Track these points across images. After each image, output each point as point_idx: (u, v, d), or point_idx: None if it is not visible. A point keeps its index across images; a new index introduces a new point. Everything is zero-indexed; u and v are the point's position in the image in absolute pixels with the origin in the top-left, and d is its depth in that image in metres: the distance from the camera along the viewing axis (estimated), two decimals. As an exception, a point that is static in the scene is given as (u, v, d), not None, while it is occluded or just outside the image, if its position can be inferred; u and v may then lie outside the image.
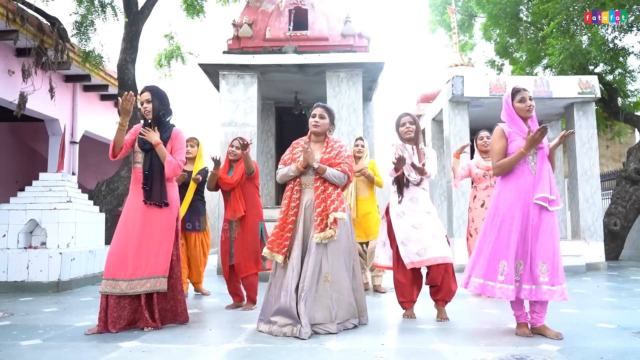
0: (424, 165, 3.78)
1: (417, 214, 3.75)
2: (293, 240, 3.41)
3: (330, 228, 3.30)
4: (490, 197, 4.86)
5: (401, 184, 3.82)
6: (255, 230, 4.23)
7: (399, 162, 3.69)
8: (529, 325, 3.16)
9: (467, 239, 5.33)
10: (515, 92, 3.22)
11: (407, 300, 3.82)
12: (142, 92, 3.57)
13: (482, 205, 5.09)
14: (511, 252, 3.06)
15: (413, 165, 3.71)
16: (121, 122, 3.38)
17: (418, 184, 3.81)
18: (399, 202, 3.81)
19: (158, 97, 3.57)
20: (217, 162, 4.23)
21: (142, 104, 3.52)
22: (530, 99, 3.18)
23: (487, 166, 5.12)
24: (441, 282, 3.69)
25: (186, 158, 5.00)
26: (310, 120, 3.58)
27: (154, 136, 3.48)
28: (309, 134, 3.65)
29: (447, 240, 3.78)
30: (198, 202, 4.91)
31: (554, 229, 3.08)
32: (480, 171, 5.20)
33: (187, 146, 4.96)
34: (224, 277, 4.35)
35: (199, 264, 4.99)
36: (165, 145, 3.53)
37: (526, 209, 3.09)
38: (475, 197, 5.25)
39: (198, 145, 5.05)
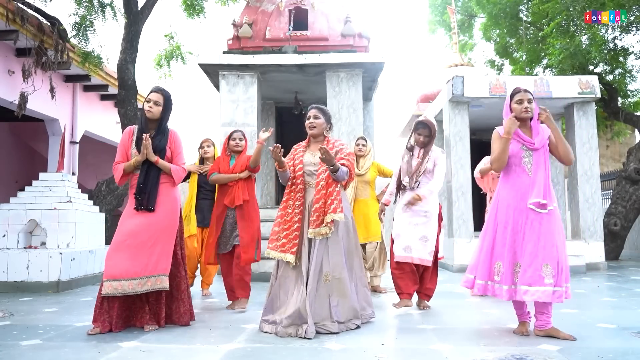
0: (418, 170, 4.12)
1: (415, 214, 4.10)
2: (301, 241, 3.40)
3: (326, 226, 3.30)
4: None
5: (400, 187, 4.24)
6: (257, 221, 4.21)
7: None
8: (539, 328, 3.14)
9: None
10: (515, 93, 3.24)
11: (402, 292, 4.08)
12: (154, 92, 3.51)
13: None
14: (506, 253, 3.10)
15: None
16: (139, 160, 3.43)
17: (412, 188, 4.13)
18: (399, 200, 4.24)
19: (167, 102, 3.55)
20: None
21: (148, 102, 3.49)
22: (529, 102, 3.18)
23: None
24: (423, 278, 4.17)
25: (204, 158, 5.04)
26: (306, 123, 3.59)
27: (151, 156, 3.44)
28: (307, 137, 3.65)
29: (437, 244, 4.15)
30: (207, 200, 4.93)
31: (554, 229, 3.08)
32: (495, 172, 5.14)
33: (204, 146, 5.04)
34: (210, 263, 4.31)
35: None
36: (164, 151, 3.52)
37: (523, 210, 3.11)
38: (491, 198, 5.20)
39: (214, 146, 5.09)
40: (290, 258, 3.34)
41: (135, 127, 3.61)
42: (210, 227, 4.35)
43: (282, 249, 3.38)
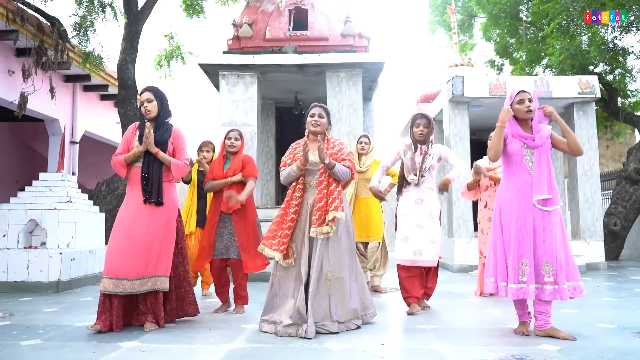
0: (423, 166, 4.04)
1: (421, 215, 4.03)
2: (298, 240, 3.40)
3: (328, 225, 3.31)
4: (492, 198, 4.90)
5: (402, 184, 4.13)
6: (255, 226, 4.14)
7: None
8: (539, 328, 3.13)
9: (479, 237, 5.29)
10: (516, 93, 3.28)
11: (410, 296, 4.00)
12: (142, 92, 3.58)
13: (485, 206, 5.09)
14: (512, 252, 3.10)
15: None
16: (140, 150, 3.45)
17: (417, 184, 4.05)
18: (402, 200, 4.13)
19: (159, 97, 3.60)
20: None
21: (142, 104, 3.54)
22: (529, 101, 3.22)
23: (487, 167, 5.09)
24: (426, 279, 4.13)
25: (200, 162, 5.00)
26: (309, 119, 3.59)
27: (152, 147, 3.46)
28: (306, 134, 3.65)
29: (440, 244, 4.10)
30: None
31: (556, 228, 3.09)
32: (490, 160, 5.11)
33: (202, 151, 4.94)
34: (203, 267, 4.29)
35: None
36: (166, 145, 3.54)
37: (525, 208, 3.12)
38: (479, 199, 5.24)
39: (213, 151, 5.02)
40: (277, 256, 3.35)
41: (139, 123, 3.65)
42: (204, 231, 4.21)
43: (268, 244, 3.42)
